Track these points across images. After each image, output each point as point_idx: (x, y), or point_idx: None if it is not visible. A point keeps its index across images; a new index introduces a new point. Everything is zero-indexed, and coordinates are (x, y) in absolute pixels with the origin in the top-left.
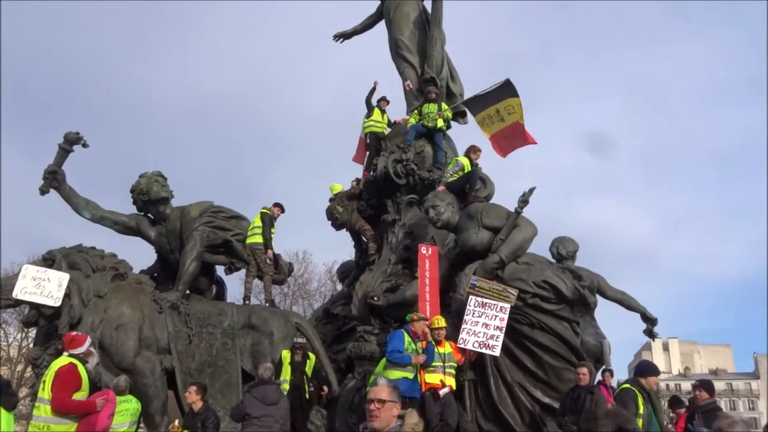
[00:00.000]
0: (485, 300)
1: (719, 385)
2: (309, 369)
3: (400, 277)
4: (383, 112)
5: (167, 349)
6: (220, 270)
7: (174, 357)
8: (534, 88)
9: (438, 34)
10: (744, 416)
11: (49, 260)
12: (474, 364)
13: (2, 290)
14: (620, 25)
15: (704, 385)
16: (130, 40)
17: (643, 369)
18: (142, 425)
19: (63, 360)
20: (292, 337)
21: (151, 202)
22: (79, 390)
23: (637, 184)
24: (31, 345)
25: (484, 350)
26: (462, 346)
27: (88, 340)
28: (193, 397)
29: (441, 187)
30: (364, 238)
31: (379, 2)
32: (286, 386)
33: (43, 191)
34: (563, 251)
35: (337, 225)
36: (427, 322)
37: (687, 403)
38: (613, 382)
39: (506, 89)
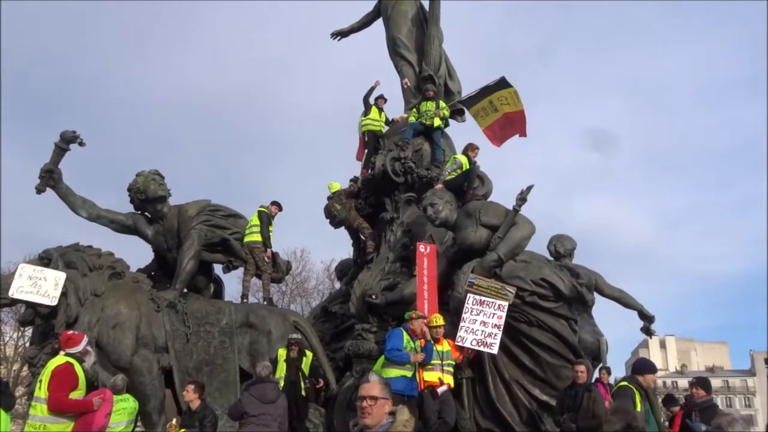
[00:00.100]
0: (483, 298)
1: (716, 382)
2: (306, 366)
3: (398, 275)
4: (381, 110)
5: (165, 348)
6: (217, 268)
7: (171, 356)
8: (533, 86)
9: (436, 32)
10: (741, 412)
11: (45, 259)
12: (472, 362)
13: None
14: (620, 25)
15: (701, 382)
16: (130, 40)
17: (641, 367)
18: (139, 424)
19: (59, 359)
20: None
21: (148, 200)
22: (76, 389)
23: (636, 183)
24: (28, 344)
25: (482, 348)
26: (460, 344)
27: (85, 339)
28: (190, 396)
29: (439, 185)
30: (362, 236)
31: (377, 0)
32: (281, 383)
33: (40, 190)
34: (561, 249)
35: (335, 223)
36: (425, 321)
37: (682, 401)
38: (611, 380)
39: (501, 85)
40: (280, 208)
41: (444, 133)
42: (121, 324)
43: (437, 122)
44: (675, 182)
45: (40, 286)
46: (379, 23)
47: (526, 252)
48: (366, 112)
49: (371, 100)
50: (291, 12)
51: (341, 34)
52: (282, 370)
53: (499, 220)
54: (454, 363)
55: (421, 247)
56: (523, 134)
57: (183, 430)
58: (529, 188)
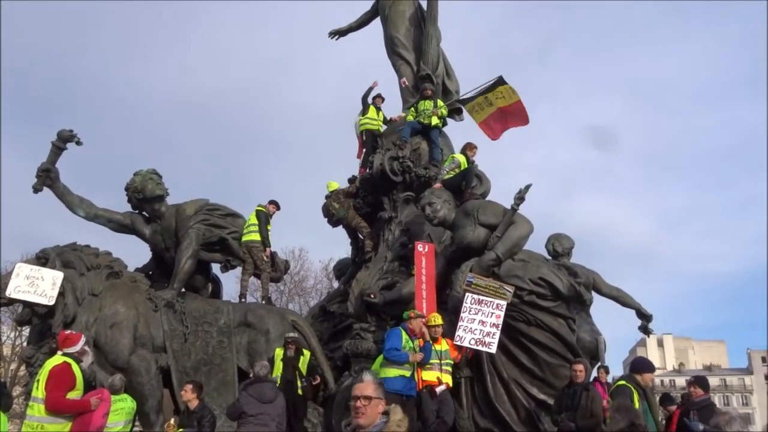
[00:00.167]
0: (482, 297)
1: (713, 381)
2: (303, 365)
3: (396, 274)
4: (378, 109)
5: (162, 348)
6: (215, 268)
7: (169, 355)
8: (532, 86)
9: (433, 31)
10: (738, 411)
11: (42, 258)
12: (470, 362)
13: None
14: (620, 25)
15: (699, 381)
16: (130, 40)
17: (639, 366)
18: (137, 424)
19: (57, 359)
20: None
21: (146, 200)
22: (74, 389)
23: (635, 183)
24: (25, 343)
25: (480, 347)
26: (458, 343)
27: (83, 339)
28: (188, 396)
29: (437, 185)
30: (360, 236)
31: (375, 0)
32: (278, 382)
33: (37, 189)
34: (559, 248)
35: (334, 222)
36: (424, 320)
37: (678, 400)
38: (609, 379)
39: (498, 83)
40: (277, 207)
41: (442, 132)
42: (119, 324)
43: (435, 121)
44: (674, 182)
45: (38, 285)
46: (377, 22)
47: (524, 251)
48: (364, 111)
49: (369, 100)
50: (291, 12)
51: (339, 33)
52: (279, 369)
53: (497, 219)
54: (452, 362)
55: (420, 246)
56: (525, 123)
57: (181, 429)
58: (527, 187)
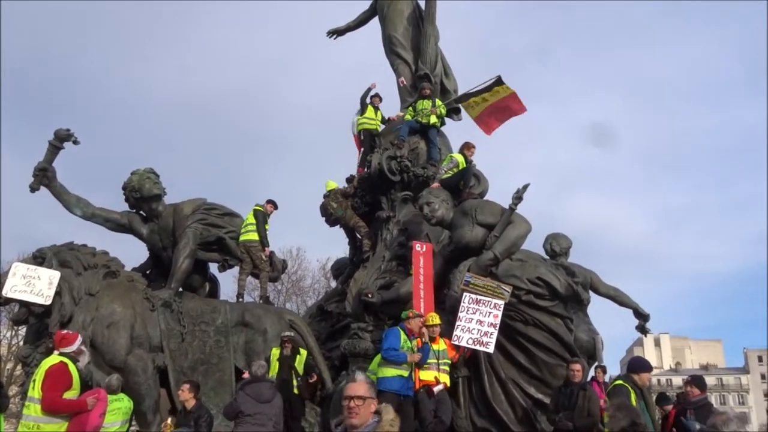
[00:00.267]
0: (479, 297)
1: (710, 380)
2: (299, 365)
3: (394, 274)
4: (376, 109)
5: (159, 347)
6: (213, 267)
7: (166, 355)
8: (531, 86)
9: (432, 30)
10: (735, 410)
11: (39, 258)
12: (468, 361)
13: None
14: (619, 24)
15: (696, 381)
16: (130, 40)
17: (636, 365)
18: (134, 424)
19: (53, 359)
20: None
21: (143, 199)
22: (70, 389)
23: (635, 183)
24: (22, 343)
25: (478, 347)
26: (456, 343)
27: (79, 339)
28: (185, 395)
29: (435, 184)
30: (358, 235)
31: None
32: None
33: (34, 188)
34: (557, 248)
35: (331, 221)
36: (422, 319)
37: (674, 400)
38: (606, 378)
39: (496, 83)
40: (275, 207)
41: (440, 131)
42: (116, 323)
43: (433, 119)
44: (674, 182)
45: (34, 285)
46: (375, 21)
47: (522, 251)
48: (361, 112)
49: (367, 100)
50: (291, 12)
51: (337, 32)
52: (274, 369)
53: (495, 219)
54: (450, 362)
55: (417, 246)
56: (521, 111)
57: (178, 429)
58: (525, 187)
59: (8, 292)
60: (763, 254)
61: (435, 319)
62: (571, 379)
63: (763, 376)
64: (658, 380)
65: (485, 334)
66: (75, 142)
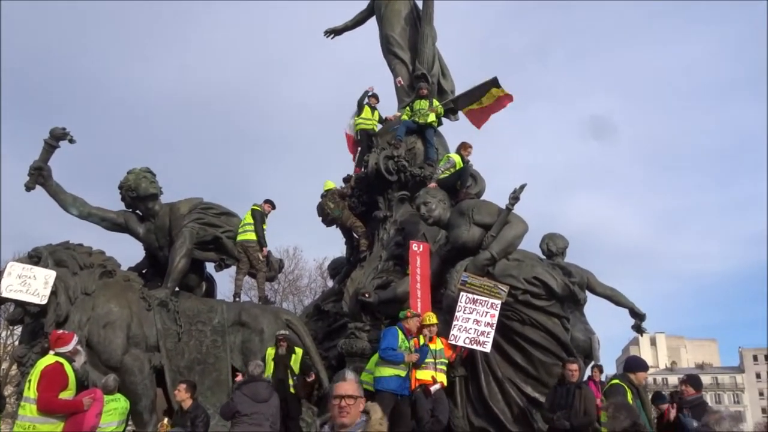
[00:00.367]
0: (476, 296)
1: (705, 379)
2: (295, 364)
3: (391, 273)
4: (373, 109)
5: (156, 347)
6: (209, 267)
7: (163, 355)
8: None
9: (429, 30)
10: (730, 409)
11: (35, 257)
12: (465, 361)
13: None
14: (619, 24)
15: (691, 380)
16: (130, 40)
17: (632, 364)
18: (130, 424)
19: (49, 359)
20: None
21: (139, 198)
22: (66, 389)
23: (634, 183)
24: (17, 343)
25: (475, 346)
26: (453, 342)
27: (75, 339)
28: (182, 395)
29: (432, 184)
30: (355, 235)
31: None
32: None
33: (29, 187)
34: (553, 248)
35: (328, 221)
36: (419, 319)
37: (669, 398)
38: (602, 378)
39: (493, 84)
40: (273, 207)
41: (437, 131)
42: (112, 323)
43: (431, 118)
44: (674, 182)
45: (30, 284)
46: (373, 21)
47: (518, 251)
48: (358, 113)
49: (364, 102)
50: (291, 12)
51: (334, 32)
52: (269, 369)
53: (492, 219)
54: (447, 361)
55: (414, 246)
56: (509, 100)
57: (174, 429)
58: (522, 187)
59: (3, 291)
60: (762, 254)
61: (432, 318)
62: (569, 379)
63: (758, 375)
64: (654, 379)
65: (482, 333)
66: (71, 141)
